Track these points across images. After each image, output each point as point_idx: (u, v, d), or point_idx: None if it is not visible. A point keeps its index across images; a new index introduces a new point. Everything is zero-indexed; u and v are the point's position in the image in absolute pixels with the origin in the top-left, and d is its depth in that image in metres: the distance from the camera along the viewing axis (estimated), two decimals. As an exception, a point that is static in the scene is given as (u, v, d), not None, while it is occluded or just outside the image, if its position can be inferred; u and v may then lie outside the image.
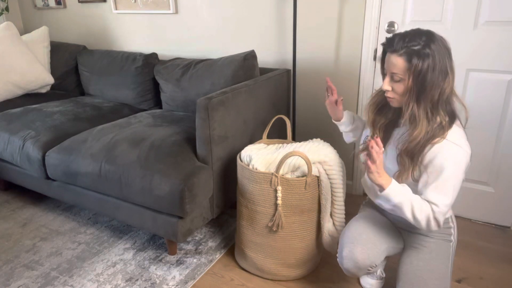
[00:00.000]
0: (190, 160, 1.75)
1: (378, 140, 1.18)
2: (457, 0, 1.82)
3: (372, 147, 1.18)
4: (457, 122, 1.26)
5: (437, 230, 1.36)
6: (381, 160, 1.20)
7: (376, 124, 1.39)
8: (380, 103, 1.38)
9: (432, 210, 1.21)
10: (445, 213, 1.22)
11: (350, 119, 1.60)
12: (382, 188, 1.22)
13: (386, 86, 1.25)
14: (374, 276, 1.64)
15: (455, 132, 1.21)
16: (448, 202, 1.21)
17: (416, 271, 1.31)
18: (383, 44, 1.27)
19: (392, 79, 1.24)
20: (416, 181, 1.26)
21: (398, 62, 1.20)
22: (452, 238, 1.39)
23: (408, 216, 1.23)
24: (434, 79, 1.17)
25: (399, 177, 1.28)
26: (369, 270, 1.37)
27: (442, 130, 1.20)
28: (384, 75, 1.29)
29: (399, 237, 1.48)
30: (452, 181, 1.20)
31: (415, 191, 1.27)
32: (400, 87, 1.23)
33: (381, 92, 1.36)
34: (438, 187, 1.20)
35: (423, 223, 1.23)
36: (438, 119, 1.21)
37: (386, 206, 1.28)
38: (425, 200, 1.23)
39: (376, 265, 1.37)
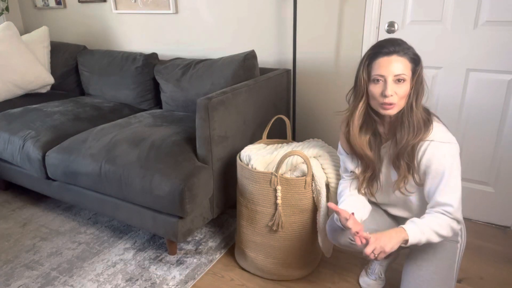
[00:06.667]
0: (190, 160, 1.75)
1: (361, 236, 1.14)
2: (457, 0, 1.82)
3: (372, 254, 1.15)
4: (435, 117, 1.28)
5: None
6: (378, 244, 1.15)
7: (362, 143, 1.33)
8: (360, 123, 1.33)
9: (448, 212, 1.21)
10: (460, 207, 1.23)
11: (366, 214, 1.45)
12: (405, 241, 1.19)
13: (390, 91, 1.19)
14: (373, 276, 1.64)
15: (439, 130, 1.24)
16: (458, 196, 1.22)
17: (420, 272, 1.30)
18: (372, 50, 1.23)
19: (396, 82, 1.19)
20: (420, 185, 1.27)
21: (402, 61, 1.19)
22: (459, 238, 1.36)
23: (439, 239, 1.23)
24: (424, 80, 1.24)
25: (400, 182, 1.28)
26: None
27: (426, 124, 1.23)
28: (373, 81, 1.22)
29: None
30: (455, 178, 1.21)
31: (422, 195, 1.29)
32: (403, 89, 1.20)
33: (361, 110, 1.30)
34: (445, 189, 1.21)
35: (450, 233, 1.23)
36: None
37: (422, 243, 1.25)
38: (438, 203, 1.22)
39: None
